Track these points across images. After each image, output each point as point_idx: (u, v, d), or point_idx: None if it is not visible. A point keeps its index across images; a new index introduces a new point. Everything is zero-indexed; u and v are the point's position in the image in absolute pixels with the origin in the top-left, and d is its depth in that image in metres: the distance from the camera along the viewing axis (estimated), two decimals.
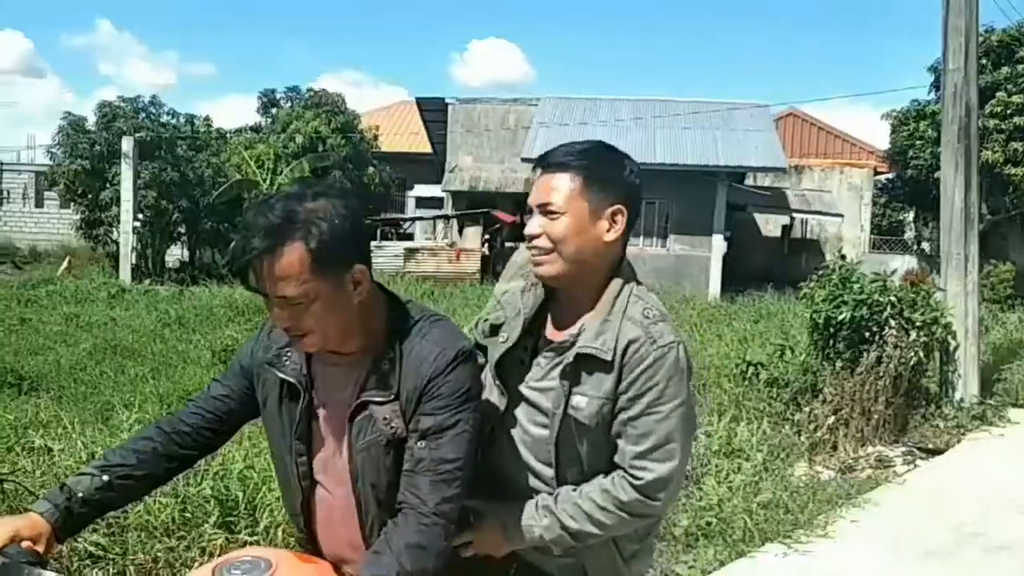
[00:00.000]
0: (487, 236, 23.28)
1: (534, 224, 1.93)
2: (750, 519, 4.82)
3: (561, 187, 1.90)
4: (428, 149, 29.19)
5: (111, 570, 3.75)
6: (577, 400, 1.89)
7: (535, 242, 1.92)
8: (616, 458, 1.91)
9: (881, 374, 6.87)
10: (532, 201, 1.95)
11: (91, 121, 24.00)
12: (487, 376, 2.02)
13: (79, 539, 3.81)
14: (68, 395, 7.96)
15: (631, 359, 1.85)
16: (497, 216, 23.85)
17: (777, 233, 27.34)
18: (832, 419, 6.80)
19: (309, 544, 1.97)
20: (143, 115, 24.33)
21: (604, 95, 25.54)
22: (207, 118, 26.68)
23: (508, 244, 22.24)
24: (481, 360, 2.00)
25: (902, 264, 24.08)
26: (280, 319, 1.73)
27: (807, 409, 6.95)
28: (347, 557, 1.91)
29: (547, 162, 1.95)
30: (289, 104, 27.84)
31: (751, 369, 7.80)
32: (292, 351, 1.87)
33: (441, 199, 27.29)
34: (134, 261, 21.83)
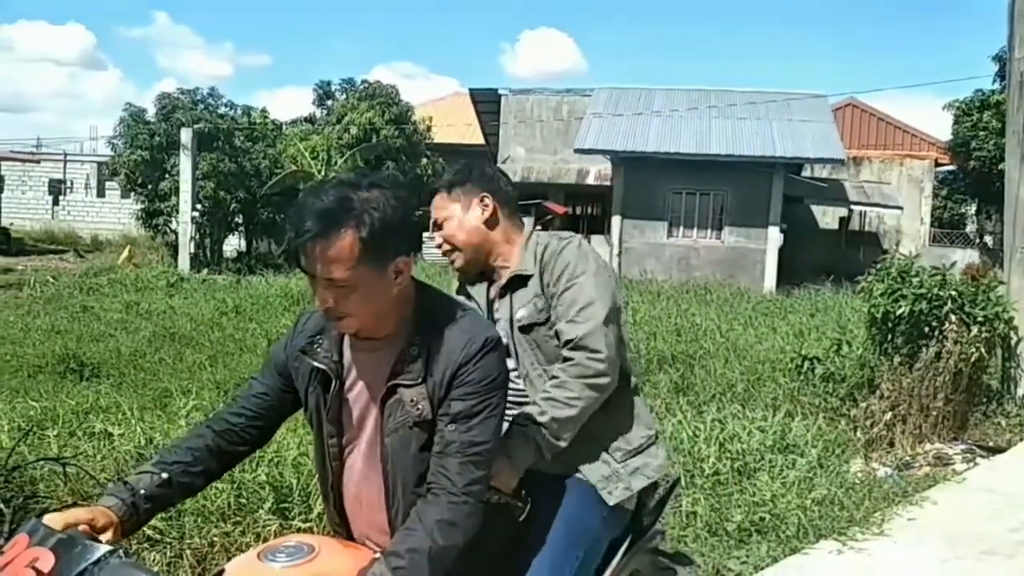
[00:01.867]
0: (539, 227, 23.29)
1: (436, 237, 2.46)
2: (804, 515, 4.75)
3: (439, 203, 2.46)
4: (481, 140, 29.25)
5: (168, 553, 3.82)
6: (519, 313, 2.35)
7: (443, 248, 2.46)
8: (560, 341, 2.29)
9: (940, 370, 6.73)
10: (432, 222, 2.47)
11: (151, 113, 24.46)
12: None
13: None
14: (128, 381, 8.13)
15: (546, 256, 2.35)
16: (549, 207, 23.85)
17: (835, 225, 26.93)
18: (889, 415, 6.68)
19: (340, 526, 2.08)
20: (201, 107, 24.72)
21: (658, 85, 25.31)
22: (264, 110, 27.02)
23: None
24: None
25: (963, 258, 23.53)
26: (323, 299, 1.82)
27: (864, 405, 6.83)
28: (374, 539, 1.99)
29: (432, 189, 2.51)
30: (344, 96, 28.08)
31: (807, 364, 7.69)
32: (324, 339, 1.99)
33: None
34: (192, 250, 22.23)
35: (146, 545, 3.85)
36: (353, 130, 25.33)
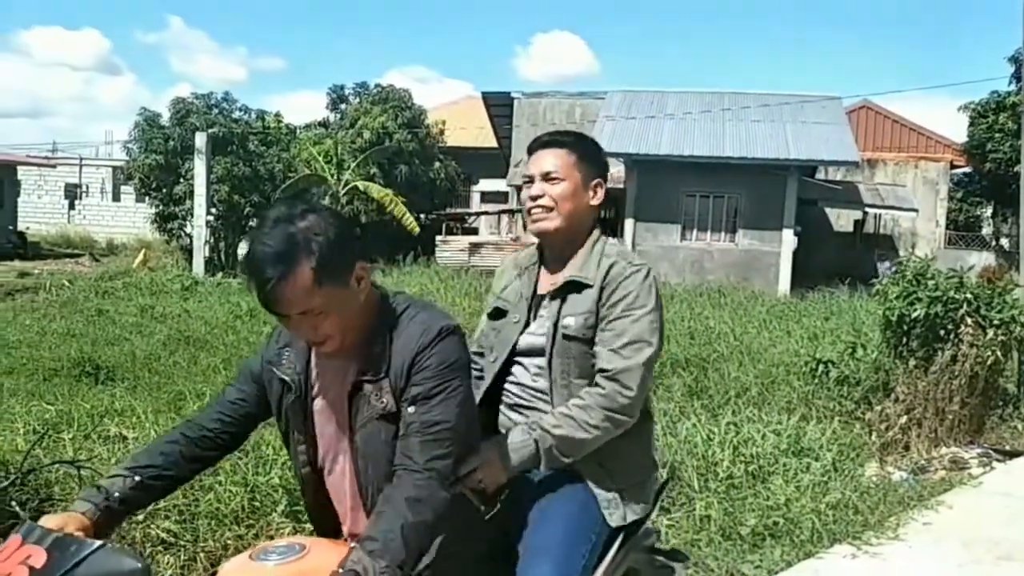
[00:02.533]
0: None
1: (537, 188, 2.38)
2: (818, 519, 4.73)
3: (562, 160, 2.38)
4: (493, 144, 29.26)
5: (182, 556, 3.84)
6: (567, 321, 2.30)
7: (539, 202, 2.37)
8: (596, 365, 2.27)
9: (956, 373, 6.69)
10: (535, 170, 2.40)
11: (166, 117, 24.59)
12: (495, 345, 2.45)
13: (152, 526, 3.91)
14: (142, 384, 8.17)
15: (611, 275, 2.30)
16: None
17: (849, 228, 26.81)
18: (904, 419, 6.65)
19: (321, 529, 2.18)
20: (216, 111, 24.85)
21: (671, 88, 25.25)
22: (277, 114, 27.16)
23: None
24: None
25: (979, 260, 23.41)
26: (305, 332, 1.93)
27: (879, 408, 6.80)
28: (356, 534, 2.05)
29: (547, 140, 2.44)
30: (357, 100, 28.17)
31: (821, 367, 7.66)
32: (291, 351, 2.08)
33: (506, 193, 27.36)
34: (207, 254, 22.32)
35: (160, 548, 3.87)
36: (366, 134, 25.41)
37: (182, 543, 3.90)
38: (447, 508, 1.89)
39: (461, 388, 1.96)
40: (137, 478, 1.99)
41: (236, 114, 25.43)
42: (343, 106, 28.74)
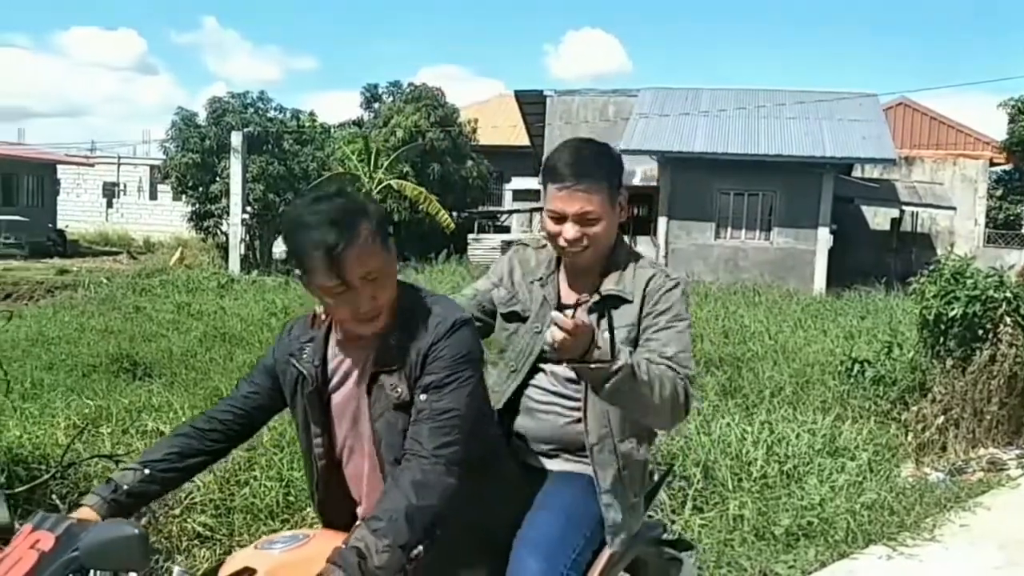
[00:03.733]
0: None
1: (572, 230, 2.26)
2: (853, 520, 4.69)
3: (597, 199, 2.26)
4: (525, 142, 29.26)
5: (218, 550, 3.88)
6: (606, 335, 2.13)
7: (576, 243, 2.28)
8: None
9: (995, 373, 6.59)
10: (568, 211, 2.26)
11: (202, 116, 24.86)
12: (507, 349, 2.44)
13: (188, 520, 3.96)
14: (179, 381, 8.26)
15: (652, 288, 2.29)
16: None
17: (886, 226, 26.50)
18: (941, 419, 6.56)
19: (319, 515, 2.24)
20: (251, 110, 25.08)
21: (705, 85, 25.11)
22: (312, 113, 27.39)
23: None
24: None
25: (1020, 259, 23.03)
26: (362, 302, 1.92)
27: (915, 408, 6.72)
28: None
29: (576, 178, 2.26)
30: (391, 99, 28.29)
31: (857, 366, 7.59)
32: (310, 345, 2.10)
33: (538, 191, 27.27)
34: (242, 252, 22.53)
35: (196, 541, 3.92)
36: (399, 133, 25.51)
37: (217, 537, 3.95)
38: (452, 495, 1.91)
39: (472, 379, 1.99)
40: (147, 471, 2.03)
41: (271, 113, 25.66)
42: (377, 105, 28.90)
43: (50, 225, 31.67)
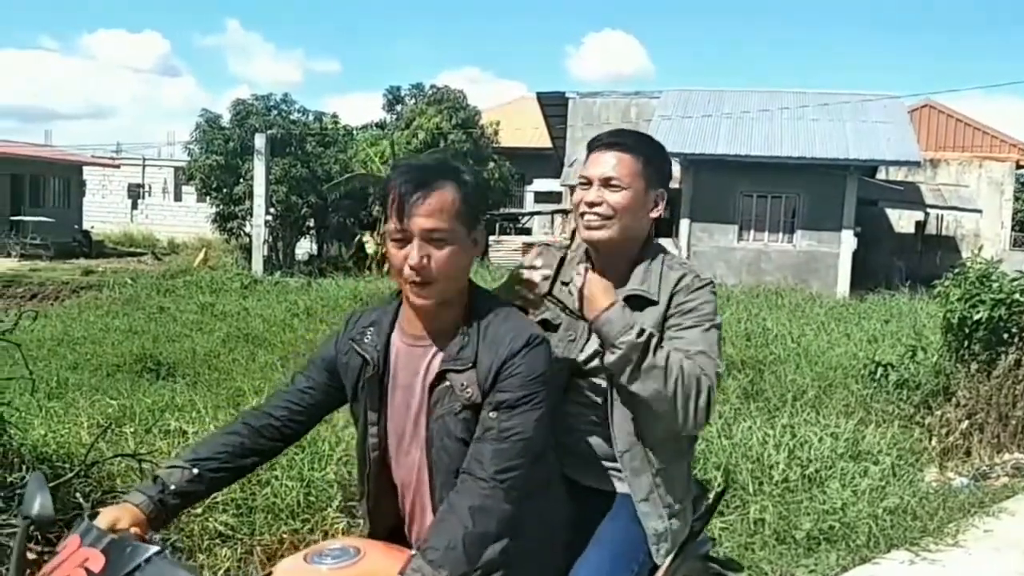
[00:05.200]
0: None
1: (595, 193, 2.19)
2: (875, 524, 4.66)
3: (626, 165, 2.19)
4: (547, 144, 29.24)
5: (239, 549, 3.91)
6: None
7: (596, 209, 2.19)
8: None
9: (1020, 378, 6.53)
10: (594, 173, 2.21)
11: (226, 118, 25.02)
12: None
13: (210, 519, 3.99)
14: (202, 381, 8.33)
15: (680, 285, 2.18)
16: None
17: (910, 229, 26.28)
18: (966, 423, 6.51)
19: (370, 520, 2.12)
20: (275, 112, 25.21)
21: (728, 87, 25.00)
22: (334, 115, 27.45)
23: None
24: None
25: None
26: (416, 256, 1.85)
27: (939, 412, 6.66)
28: (418, 532, 2.03)
29: (610, 141, 2.23)
30: (413, 101, 28.35)
31: (880, 370, 7.54)
32: (373, 331, 2.03)
33: (559, 193, 27.31)
34: (265, 253, 22.65)
35: (217, 541, 3.94)
36: (421, 135, 25.55)
37: (239, 536, 3.97)
38: (511, 521, 1.83)
39: (543, 402, 1.89)
40: (195, 471, 1.95)
41: (294, 115, 25.80)
42: (399, 107, 28.95)
43: (76, 226, 32.01)
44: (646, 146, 2.25)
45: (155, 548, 1.68)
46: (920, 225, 26.31)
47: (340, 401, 2.12)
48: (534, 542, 1.99)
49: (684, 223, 21.87)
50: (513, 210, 28.54)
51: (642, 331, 2.05)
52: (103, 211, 37.65)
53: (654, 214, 2.25)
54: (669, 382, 2.04)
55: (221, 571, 3.66)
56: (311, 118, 26.28)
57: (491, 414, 1.86)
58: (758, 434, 5.70)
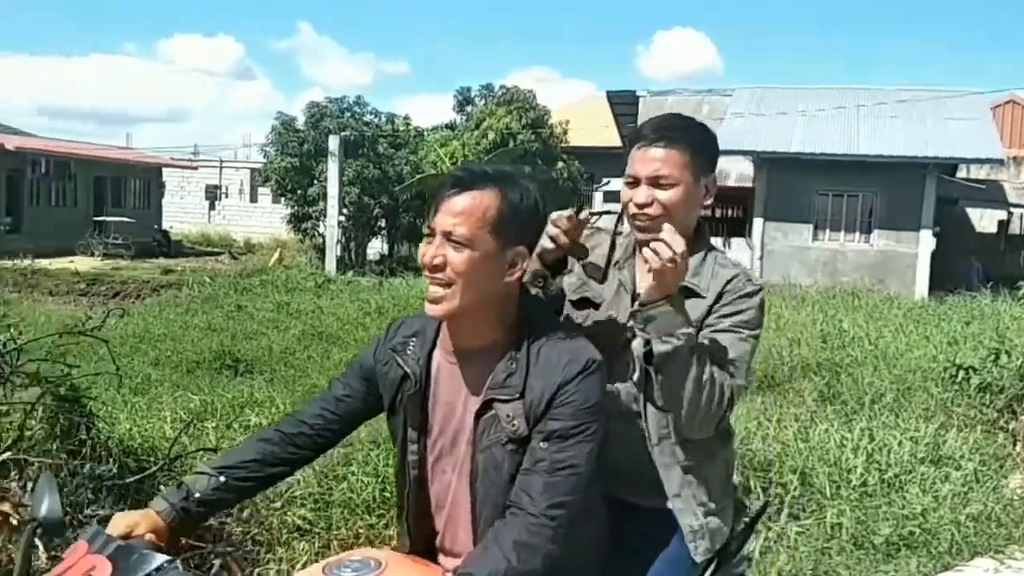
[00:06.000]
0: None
1: (644, 194, 2.09)
2: (958, 531, 4.54)
3: (674, 160, 2.08)
4: (616, 143, 29.06)
5: (316, 543, 3.98)
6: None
7: (646, 210, 2.08)
8: None
9: None
10: (641, 172, 2.10)
11: (300, 121, 25.44)
12: None
13: (288, 513, 4.07)
14: (279, 377, 8.50)
15: (729, 287, 2.09)
16: None
17: (993, 229, 25.52)
18: None
19: (409, 538, 2.01)
20: (348, 115, 25.55)
21: (798, 84, 24.56)
22: (406, 117, 27.69)
23: None
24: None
25: None
26: (431, 252, 1.79)
27: None
28: (448, 549, 1.96)
29: (655, 136, 2.11)
30: (483, 102, 28.46)
31: (962, 373, 7.34)
32: (415, 342, 1.93)
33: None
34: (339, 253, 23.02)
35: (296, 534, 4.03)
36: (491, 135, 25.61)
37: (316, 530, 4.06)
38: (556, 563, 1.73)
39: (597, 433, 1.78)
40: (222, 478, 1.88)
41: (367, 117, 26.11)
42: (469, 108, 29.08)
43: (155, 226, 32.92)
44: (691, 135, 2.14)
45: (165, 557, 1.64)
46: (1003, 224, 25.53)
47: (377, 410, 2.03)
48: (573, 571, 1.88)
49: (757, 222, 21.57)
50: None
51: (692, 331, 1.99)
52: (181, 212, 38.62)
53: (707, 200, 2.16)
54: (701, 387, 1.98)
55: (299, 564, 3.73)
56: (383, 120, 26.58)
57: (542, 444, 1.76)
58: (835, 437, 5.60)
